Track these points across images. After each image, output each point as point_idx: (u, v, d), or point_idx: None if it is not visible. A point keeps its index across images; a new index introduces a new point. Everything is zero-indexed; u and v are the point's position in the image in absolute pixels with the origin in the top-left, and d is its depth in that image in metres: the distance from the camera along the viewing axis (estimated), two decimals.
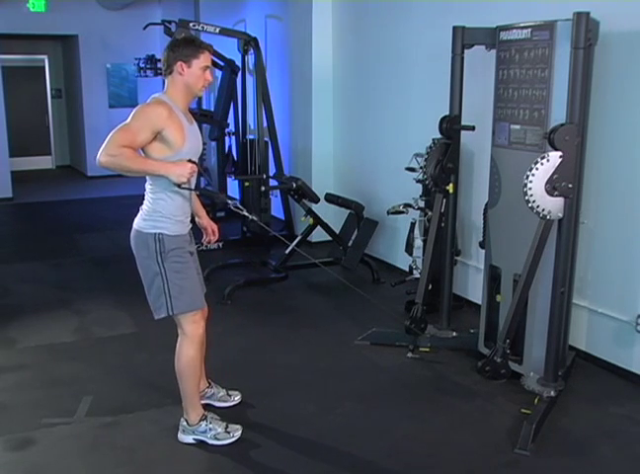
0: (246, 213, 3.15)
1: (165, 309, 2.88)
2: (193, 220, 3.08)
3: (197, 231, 3.18)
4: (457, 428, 3.21)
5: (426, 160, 4.00)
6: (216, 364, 3.51)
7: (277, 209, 6.90)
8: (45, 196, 9.67)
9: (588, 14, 3.09)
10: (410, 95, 5.35)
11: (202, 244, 3.32)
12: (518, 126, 3.44)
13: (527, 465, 2.89)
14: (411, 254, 4.80)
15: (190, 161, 2.76)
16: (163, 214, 2.83)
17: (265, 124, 6.51)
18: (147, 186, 2.88)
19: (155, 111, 2.71)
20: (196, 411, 3.04)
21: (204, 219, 3.25)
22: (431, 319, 4.15)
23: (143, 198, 2.91)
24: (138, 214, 2.91)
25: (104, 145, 2.64)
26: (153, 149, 2.76)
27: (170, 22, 6.36)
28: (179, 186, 2.76)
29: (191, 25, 6.00)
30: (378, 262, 5.76)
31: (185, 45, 2.79)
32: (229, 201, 3.11)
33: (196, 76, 2.80)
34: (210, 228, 3.24)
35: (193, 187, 2.93)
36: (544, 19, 3.26)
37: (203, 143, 7.40)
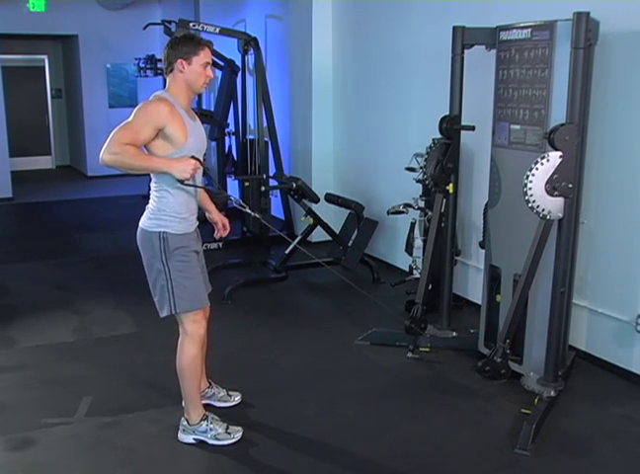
0: (248, 210, 3.15)
1: (168, 308, 2.89)
2: (202, 218, 3.09)
3: (204, 229, 3.17)
4: (457, 428, 3.21)
5: (426, 160, 4.00)
6: (216, 364, 3.51)
7: (277, 209, 6.90)
8: (45, 195, 9.67)
9: (588, 14, 3.09)
10: (410, 95, 5.35)
11: (215, 239, 3.30)
12: (518, 126, 3.44)
13: (527, 465, 2.89)
14: (411, 254, 4.80)
15: (193, 157, 2.76)
16: (167, 212, 2.83)
17: (265, 124, 6.51)
18: (152, 184, 2.88)
19: (156, 108, 2.72)
20: (196, 411, 3.04)
21: (214, 214, 3.24)
22: (431, 319, 4.15)
23: (143, 198, 2.92)
24: (144, 213, 2.92)
25: (106, 143, 2.64)
26: (156, 147, 2.76)
27: (170, 22, 6.37)
28: (182, 182, 2.76)
29: (191, 25, 6.00)
30: (378, 262, 5.76)
31: (184, 43, 2.79)
32: (232, 198, 3.12)
33: (196, 73, 2.80)
34: (221, 222, 3.23)
35: (197, 183, 2.93)
36: (544, 19, 3.26)
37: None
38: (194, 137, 2.83)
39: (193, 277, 2.91)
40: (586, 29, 3.09)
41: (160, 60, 9.29)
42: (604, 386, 3.65)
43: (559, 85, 3.21)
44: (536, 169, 3.10)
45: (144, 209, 2.93)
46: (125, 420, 3.26)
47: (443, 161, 3.95)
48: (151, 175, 2.85)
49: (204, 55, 2.81)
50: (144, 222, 2.89)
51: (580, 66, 3.12)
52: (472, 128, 3.97)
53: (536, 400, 3.32)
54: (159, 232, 2.83)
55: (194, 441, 3.03)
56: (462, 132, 4.02)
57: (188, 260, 2.88)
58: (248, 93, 6.92)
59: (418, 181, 4.54)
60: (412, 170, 4.58)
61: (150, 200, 2.90)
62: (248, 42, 6.48)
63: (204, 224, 3.19)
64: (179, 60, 2.78)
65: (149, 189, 2.94)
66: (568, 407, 3.38)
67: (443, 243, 4.21)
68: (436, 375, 3.79)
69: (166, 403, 3.37)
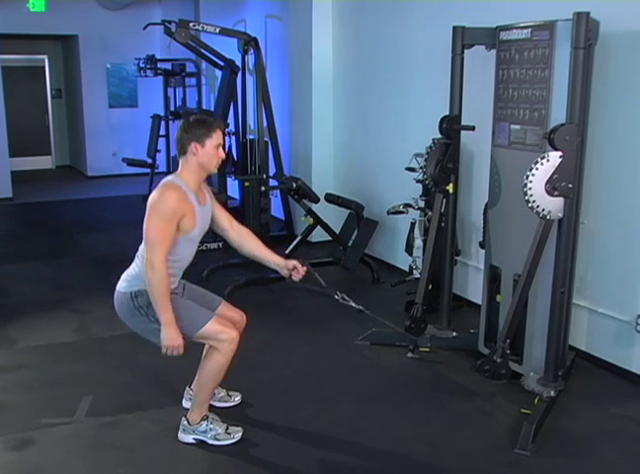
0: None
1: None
2: None
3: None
4: (457, 428, 3.21)
5: (426, 160, 4.00)
6: None
7: (277, 209, 6.90)
8: (45, 196, 9.67)
9: (588, 14, 3.09)
10: (410, 95, 5.35)
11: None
12: (518, 126, 3.44)
13: (527, 465, 2.89)
14: (411, 254, 4.80)
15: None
16: (143, 277, 2.83)
17: (265, 124, 6.50)
18: (139, 253, 2.91)
19: (173, 205, 2.76)
20: (200, 410, 3.05)
21: (279, 261, 3.12)
22: (431, 319, 4.15)
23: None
24: (122, 277, 2.97)
25: (152, 265, 2.73)
26: None
27: (170, 22, 6.35)
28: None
29: (191, 25, 5.99)
30: (378, 262, 5.76)
31: (198, 126, 2.85)
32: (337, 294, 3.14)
33: (210, 155, 2.86)
34: (292, 266, 3.09)
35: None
36: (544, 19, 3.26)
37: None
38: (201, 223, 2.91)
39: (183, 308, 2.91)
40: (586, 29, 3.09)
41: (160, 60, 9.30)
42: (604, 386, 3.65)
43: (559, 85, 3.21)
44: (536, 169, 3.10)
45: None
46: (125, 420, 3.26)
47: (443, 161, 3.95)
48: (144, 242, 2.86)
49: (217, 137, 2.86)
50: (120, 285, 2.96)
51: (580, 66, 3.12)
52: (472, 128, 3.97)
53: (536, 400, 3.32)
54: (131, 292, 2.89)
55: (194, 441, 3.03)
56: (462, 132, 4.02)
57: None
58: (248, 93, 6.92)
59: (418, 181, 4.54)
60: (412, 170, 4.58)
61: (132, 264, 2.95)
62: (248, 42, 6.47)
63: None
64: (193, 143, 2.82)
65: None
66: (568, 407, 3.38)
67: (443, 243, 4.21)
68: (436, 375, 3.79)
69: (166, 403, 3.37)
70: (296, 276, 3.10)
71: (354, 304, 3.11)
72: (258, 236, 3.20)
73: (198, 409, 3.05)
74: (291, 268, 3.09)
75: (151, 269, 2.74)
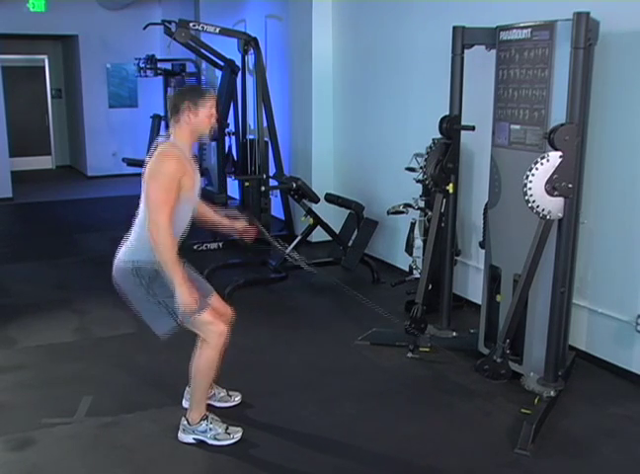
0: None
1: (172, 322, 2.89)
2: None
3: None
4: (457, 428, 3.21)
5: (426, 160, 4.00)
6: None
7: (277, 209, 6.90)
8: (45, 196, 9.67)
9: (588, 14, 3.09)
10: (410, 95, 5.35)
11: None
12: (518, 126, 3.44)
13: (527, 465, 2.89)
14: (411, 254, 4.80)
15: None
16: (146, 247, 2.83)
17: (265, 124, 6.50)
18: (137, 221, 2.91)
19: (173, 167, 2.78)
20: (199, 410, 3.05)
21: (225, 221, 3.25)
22: (431, 319, 4.15)
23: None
24: (121, 249, 2.96)
25: (157, 225, 2.73)
26: None
27: (170, 22, 6.35)
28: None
29: (191, 25, 5.99)
30: (378, 262, 5.76)
31: (191, 94, 2.90)
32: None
33: (203, 123, 2.91)
34: (241, 227, 3.25)
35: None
36: (544, 19, 3.26)
37: (203, 143, 7.42)
38: (196, 184, 2.95)
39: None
40: (586, 29, 3.09)
41: (160, 60, 9.29)
42: (604, 386, 3.65)
43: (559, 85, 3.21)
44: (536, 169, 3.10)
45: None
46: (125, 420, 3.26)
47: (443, 161, 3.95)
48: (142, 211, 2.87)
49: (210, 106, 2.91)
50: (119, 258, 2.94)
51: (580, 66, 3.12)
52: (472, 128, 3.97)
53: (536, 400, 3.32)
54: (132, 267, 2.88)
55: (193, 441, 3.03)
56: (462, 132, 4.02)
57: (168, 283, 2.85)
58: (248, 93, 6.91)
59: (418, 181, 4.54)
60: (412, 170, 4.58)
61: (131, 237, 2.94)
62: (248, 42, 6.47)
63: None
64: (186, 112, 2.85)
65: None
66: (568, 407, 3.38)
67: (443, 243, 4.21)
68: (436, 375, 3.79)
69: (166, 403, 3.37)
70: (247, 237, 3.25)
71: (303, 264, 3.20)
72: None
73: (196, 408, 3.05)
74: (240, 228, 3.22)
75: (157, 229, 2.73)
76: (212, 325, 2.92)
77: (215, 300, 3.19)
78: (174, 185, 2.77)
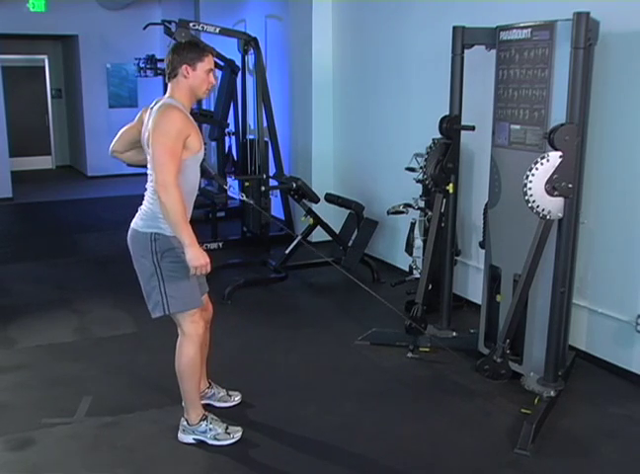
0: (244, 198, 3.17)
1: (161, 308, 2.88)
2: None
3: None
4: (457, 428, 3.21)
5: (426, 160, 4.00)
6: (216, 365, 3.51)
7: (277, 209, 6.90)
8: (45, 196, 9.67)
9: (588, 14, 3.09)
10: (410, 95, 5.35)
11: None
12: (518, 126, 3.44)
13: (527, 465, 2.89)
14: (411, 254, 4.80)
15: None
16: (162, 215, 2.82)
17: (265, 124, 6.51)
18: (149, 185, 2.87)
19: (179, 122, 2.71)
20: (196, 411, 3.04)
21: None
22: (431, 319, 4.15)
23: (143, 198, 2.91)
24: (137, 214, 2.92)
25: (164, 185, 2.65)
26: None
27: (170, 22, 6.35)
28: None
29: (191, 25, 5.99)
30: (378, 262, 5.76)
31: (189, 49, 2.82)
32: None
33: (200, 79, 2.83)
34: None
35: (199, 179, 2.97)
36: (544, 19, 3.26)
37: (203, 143, 7.42)
38: (202, 145, 2.89)
39: (185, 278, 2.88)
40: (586, 29, 3.09)
41: (160, 60, 9.28)
42: (604, 386, 3.65)
43: (559, 85, 3.21)
44: (536, 169, 3.10)
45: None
46: (125, 420, 3.26)
47: (443, 161, 3.95)
48: (149, 174, 2.84)
49: (208, 62, 2.84)
50: (137, 223, 2.89)
51: (580, 66, 3.12)
52: (472, 128, 3.97)
53: (536, 400, 3.32)
54: (151, 233, 2.83)
55: (193, 441, 3.03)
56: (462, 132, 4.02)
57: (180, 261, 2.84)
58: (248, 93, 6.92)
59: (418, 181, 4.54)
60: (412, 170, 4.58)
61: (144, 202, 2.90)
62: (248, 42, 6.47)
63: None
64: (183, 66, 2.79)
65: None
66: (568, 407, 3.38)
67: (443, 243, 4.21)
68: (436, 375, 3.79)
69: (166, 403, 3.37)
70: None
71: (252, 201, 3.25)
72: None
73: (191, 409, 3.04)
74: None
75: (164, 189, 2.66)
76: (196, 324, 2.94)
77: (206, 298, 3.19)
78: (179, 141, 2.70)
